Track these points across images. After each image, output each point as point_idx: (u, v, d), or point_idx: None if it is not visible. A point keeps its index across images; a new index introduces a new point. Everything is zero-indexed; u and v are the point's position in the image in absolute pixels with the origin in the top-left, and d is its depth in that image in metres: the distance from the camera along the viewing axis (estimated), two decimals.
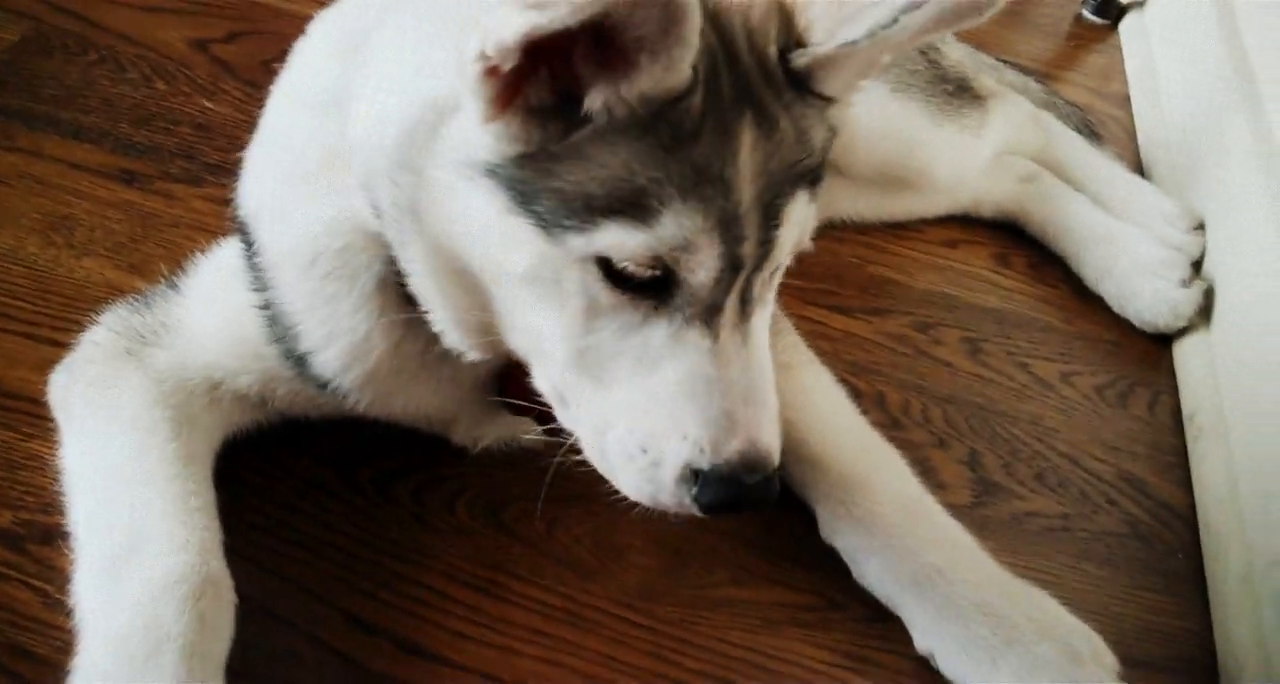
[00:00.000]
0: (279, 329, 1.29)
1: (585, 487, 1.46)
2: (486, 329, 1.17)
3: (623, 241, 1.01)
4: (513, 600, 1.38)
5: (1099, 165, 2.15)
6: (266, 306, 1.30)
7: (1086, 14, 2.78)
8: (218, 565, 1.21)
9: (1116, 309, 1.96)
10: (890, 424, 1.69)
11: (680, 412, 1.08)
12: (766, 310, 1.14)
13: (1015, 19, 2.73)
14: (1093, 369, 1.87)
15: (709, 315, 1.06)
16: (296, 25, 1.30)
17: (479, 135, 1.02)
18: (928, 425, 1.71)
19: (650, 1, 0.89)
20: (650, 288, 1.05)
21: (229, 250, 1.38)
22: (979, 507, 1.62)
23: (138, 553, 1.19)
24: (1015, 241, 2.08)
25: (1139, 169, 2.29)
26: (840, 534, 1.46)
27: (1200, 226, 2.01)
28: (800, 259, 1.86)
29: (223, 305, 1.36)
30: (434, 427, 1.44)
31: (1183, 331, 1.92)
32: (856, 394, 1.67)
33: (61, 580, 1.24)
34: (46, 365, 1.42)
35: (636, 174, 0.99)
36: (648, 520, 1.45)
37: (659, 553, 1.46)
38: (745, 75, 1.04)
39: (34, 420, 1.42)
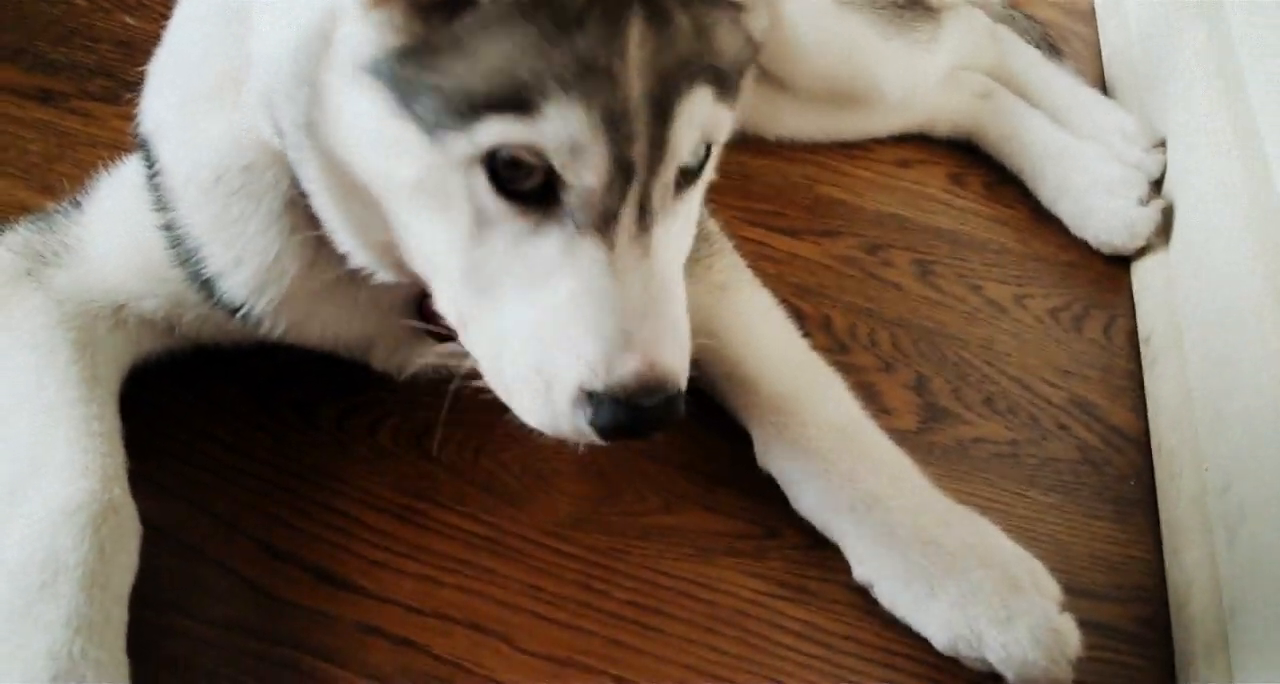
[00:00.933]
0: (183, 252, 1.24)
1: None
2: (388, 248, 1.12)
3: (504, 135, 0.95)
4: (434, 528, 1.33)
5: (1057, 81, 2.10)
6: (170, 228, 1.24)
7: None
8: (120, 493, 1.16)
9: (1073, 229, 1.91)
10: (836, 348, 1.64)
11: (572, 329, 1.02)
12: (673, 223, 1.07)
13: None
14: (1047, 291, 1.82)
15: (603, 224, 1.00)
16: None
17: (363, 28, 0.97)
18: (874, 349, 1.66)
19: None
20: (539, 196, 0.99)
21: (131, 168, 1.32)
22: (925, 432, 1.57)
23: (36, 479, 1.14)
24: (970, 161, 2.03)
25: (1102, 86, 2.24)
26: (775, 459, 1.41)
27: (1161, 145, 1.95)
28: (745, 177, 1.85)
29: (125, 226, 1.30)
30: (353, 353, 1.39)
31: (1141, 252, 1.87)
32: (801, 317, 1.63)
33: None
34: None
35: (517, 65, 0.94)
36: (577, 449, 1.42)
37: (588, 480, 1.41)
38: None
39: None
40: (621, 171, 0.98)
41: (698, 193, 1.13)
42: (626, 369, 1.01)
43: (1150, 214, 1.85)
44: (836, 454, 1.37)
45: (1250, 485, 1.41)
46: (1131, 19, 2.30)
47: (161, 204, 1.24)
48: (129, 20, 1.85)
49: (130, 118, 1.53)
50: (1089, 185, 1.89)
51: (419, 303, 1.26)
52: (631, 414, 1.02)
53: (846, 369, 1.51)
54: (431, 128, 0.97)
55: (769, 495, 1.41)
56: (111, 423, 1.23)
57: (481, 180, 0.98)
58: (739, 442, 1.45)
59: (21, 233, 1.35)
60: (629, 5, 0.96)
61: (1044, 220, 1.94)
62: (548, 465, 1.41)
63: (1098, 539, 1.50)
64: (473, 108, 0.95)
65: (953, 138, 2.05)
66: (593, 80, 0.94)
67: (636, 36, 0.96)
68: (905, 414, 1.58)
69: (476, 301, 1.06)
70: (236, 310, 1.25)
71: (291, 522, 1.30)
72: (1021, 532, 1.38)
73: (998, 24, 2.13)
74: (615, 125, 0.96)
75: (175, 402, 1.38)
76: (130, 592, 1.12)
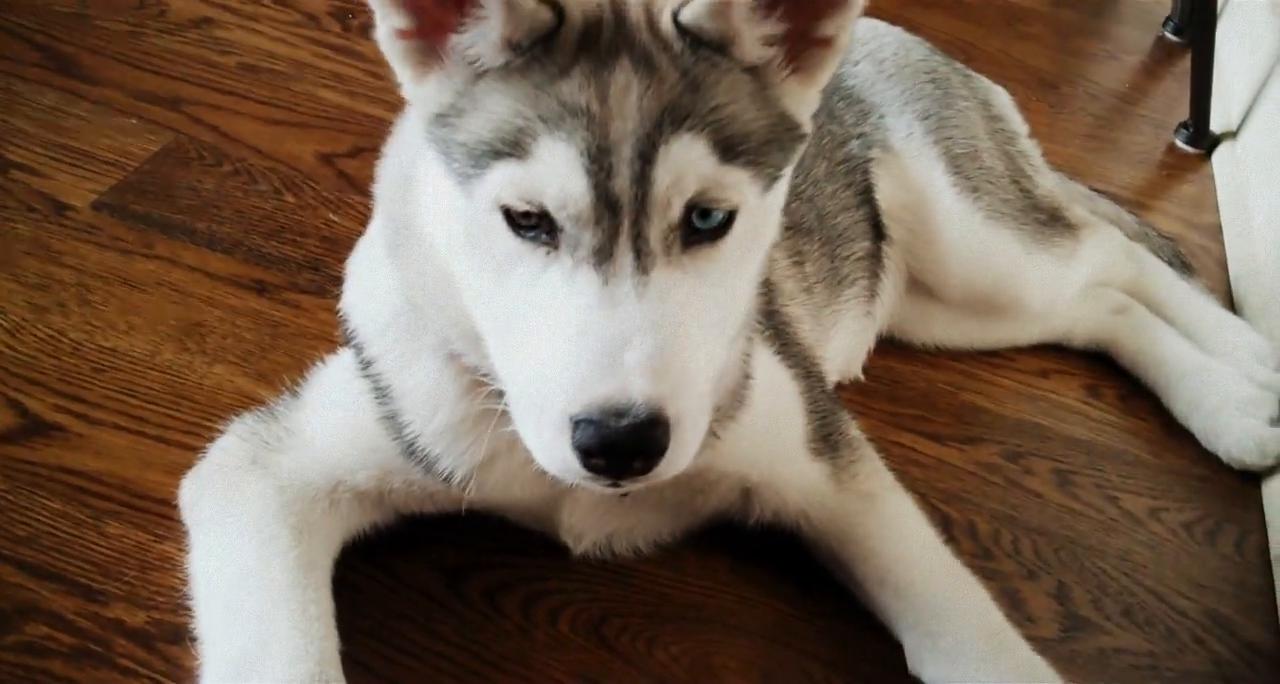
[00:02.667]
0: (383, 405, 1.38)
1: (684, 607, 1.54)
2: (473, 337, 1.23)
3: (507, 178, 1.07)
4: None
5: (1190, 299, 2.19)
6: (372, 388, 1.39)
7: (1180, 143, 2.83)
8: (335, 675, 1.28)
9: (1205, 444, 1.99)
10: (980, 554, 1.73)
11: (561, 357, 1.08)
12: (687, 279, 1.11)
13: (1108, 147, 2.80)
14: (1180, 505, 1.90)
15: (599, 260, 1.07)
16: None
17: (416, 103, 1.17)
18: (1017, 556, 1.74)
19: None
20: (547, 234, 1.09)
21: (342, 357, 1.48)
22: (1067, 641, 1.64)
23: (262, 661, 1.26)
24: (1106, 373, 2.12)
25: (1230, 301, 2.33)
26: (927, 665, 1.48)
27: None
28: (894, 383, 1.96)
29: (339, 405, 1.45)
30: (539, 519, 1.52)
31: (1272, 469, 1.94)
32: (947, 522, 1.73)
33: (190, 680, 1.31)
34: (177, 469, 1.50)
35: (516, 115, 1.07)
36: (743, 643, 1.52)
37: (752, 675, 1.50)
38: (629, 27, 1.10)
39: (166, 522, 1.50)
40: (609, 208, 1.06)
41: (727, 259, 1.14)
42: (597, 392, 1.05)
43: None
44: (986, 663, 1.45)
45: None
46: (1258, 236, 2.40)
47: (363, 366, 1.39)
48: (332, 217, 2.03)
49: (335, 310, 1.70)
50: (1221, 404, 1.98)
51: None
52: (600, 434, 1.05)
53: (991, 575, 1.60)
54: (462, 179, 1.11)
55: None
56: (326, 606, 1.36)
57: (499, 223, 1.10)
58: (892, 644, 1.53)
59: (248, 422, 1.50)
60: (616, 55, 1.08)
61: (1176, 433, 2.02)
62: (715, 659, 1.51)
63: None
64: (485, 155, 1.08)
65: (1089, 349, 2.14)
66: (575, 120, 1.06)
67: (621, 82, 1.07)
68: (1048, 622, 1.66)
69: (506, 347, 1.15)
70: (431, 465, 1.38)
71: None
72: None
73: (1133, 242, 2.24)
74: (597, 160, 1.05)
75: (374, 583, 1.51)
76: None
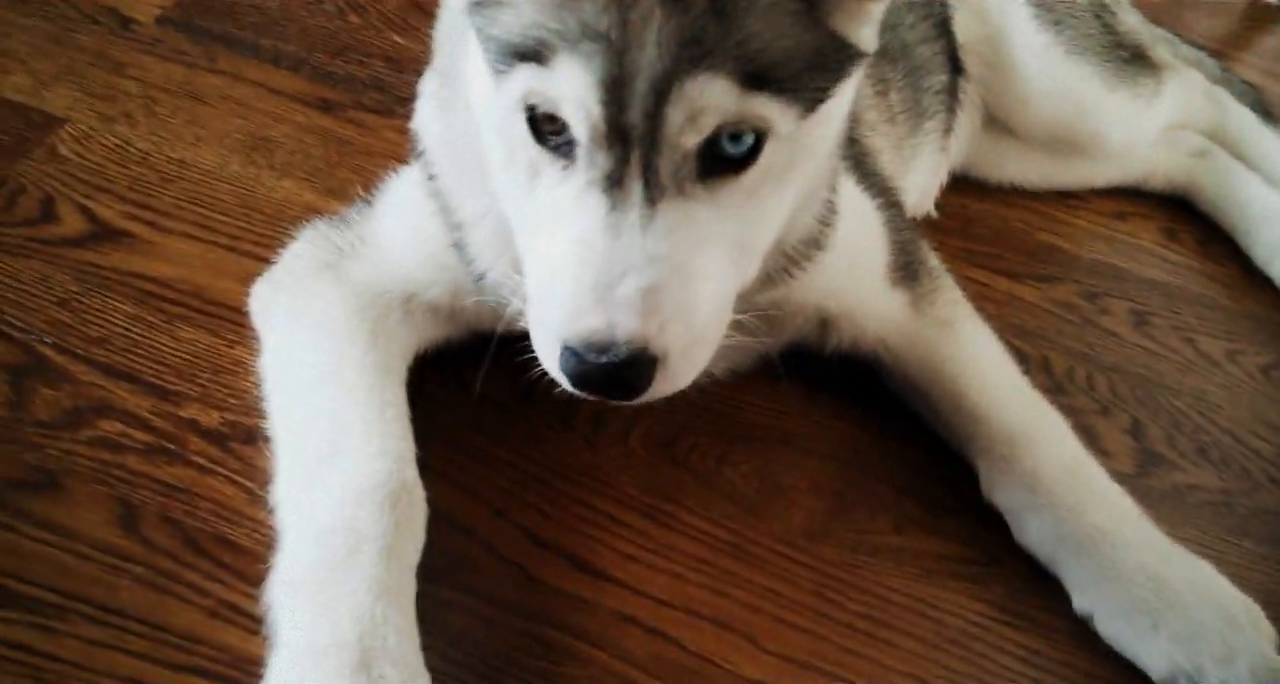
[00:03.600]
0: (451, 228, 1.37)
1: (754, 427, 1.53)
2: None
3: (527, 82, 1.05)
4: (680, 530, 1.43)
5: (1272, 144, 2.14)
6: (441, 210, 1.37)
7: None
8: (411, 474, 1.27)
9: None
10: (1055, 389, 1.71)
11: (562, 276, 1.08)
12: (702, 210, 1.08)
13: None
14: (1258, 349, 1.86)
15: (609, 185, 1.06)
16: None
17: None
18: (1092, 393, 1.72)
19: None
20: (566, 146, 1.07)
21: (411, 172, 1.45)
22: (1141, 476, 1.62)
23: (337, 458, 1.26)
24: (1184, 217, 2.08)
25: None
26: (1001, 490, 1.47)
27: None
28: (967, 220, 1.92)
29: (411, 220, 1.43)
30: None
31: None
32: (1022, 358, 1.70)
33: (263, 479, 1.31)
34: (248, 278, 1.49)
35: (537, 25, 1.04)
36: (813, 464, 1.51)
37: (823, 495, 1.50)
38: None
39: (237, 328, 1.49)
40: (620, 137, 1.04)
41: (753, 188, 1.11)
42: (582, 324, 1.06)
43: None
44: (1063, 489, 1.43)
45: None
46: None
47: (432, 189, 1.38)
48: (397, 39, 1.99)
49: (401, 131, 1.68)
50: None
51: None
52: (581, 370, 1.07)
53: (1065, 410, 1.57)
54: (494, 73, 1.09)
55: (991, 524, 1.48)
56: (401, 409, 1.35)
57: (522, 125, 1.08)
58: (963, 470, 1.52)
59: (321, 229, 1.48)
60: None
61: (1255, 278, 1.98)
62: (785, 478, 1.50)
63: None
64: (512, 54, 1.06)
65: (1167, 193, 2.10)
66: (592, 44, 1.01)
67: (643, 10, 1.01)
68: (1122, 458, 1.64)
69: (528, 245, 1.15)
70: (500, 299, 1.34)
71: (552, 513, 1.41)
72: (1234, 579, 1.42)
73: (1215, 86, 2.17)
74: (611, 91, 1.02)
75: (448, 393, 1.50)
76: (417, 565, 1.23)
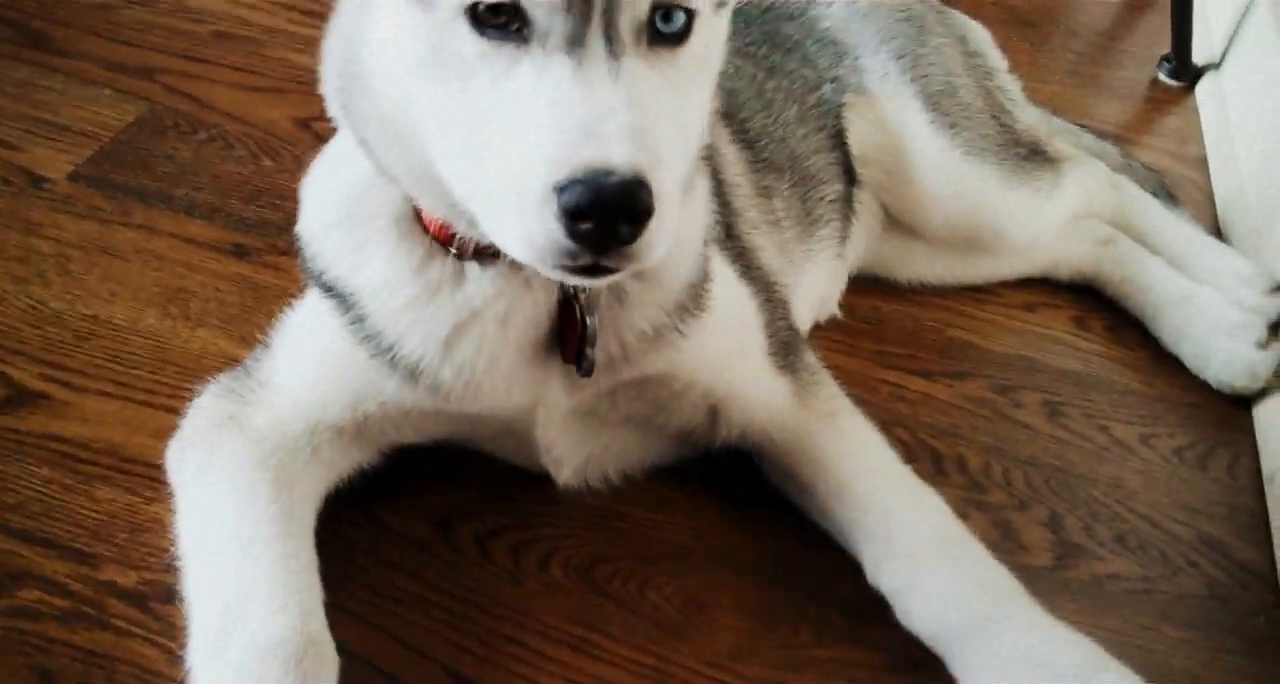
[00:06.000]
0: (344, 312, 1.39)
1: (673, 548, 1.55)
2: (437, 180, 1.22)
3: None
4: (607, 659, 1.43)
5: (1175, 227, 2.19)
6: (333, 302, 1.40)
7: (1162, 77, 2.82)
8: (318, 626, 1.28)
9: (1194, 371, 1.99)
10: (971, 487, 1.73)
11: (539, 135, 1.07)
12: (653, 78, 1.13)
13: (1091, 82, 2.79)
14: (1172, 431, 1.89)
15: (571, 47, 1.09)
16: None
17: None
18: (1009, 488, 1.75)
19: None
20: (516, 31, 1.10)
21: (305, 298, 1.49)
22: (1060, 568, 1.64)
23: (242, 616, 1.26)
24: (1093, 304, 2.12)
25: (1216, 231, 2.32)
26: (885, 575, 1.48)
27: (1277, 288, 2.03)
28: (880, 322, 1.96)
29: (304, 337, 1.47)
30: (518, 443, 1.52)
31: (1262, 393, 1.94)
32: (937, 457, 1.74)
33: (183, 638, 1.30)
34: (165, 432, 1.50)
35: None
36: (734, 581, 1.52)
37: (746, 612, 1.51)
38: None
39: (155, 485, 1.50)
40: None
41: (687, 66, 1.17)
42: (581, 155, 1.05)
43: (1269, 357, 1.93)
44: (944, 571, 1.44)
45: None
46: (1243, 166, 2.39)
47: (320, 284, 1.41)
48: None
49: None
50: (1209, 330, 1.97)
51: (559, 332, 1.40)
52: (593, 192, 1.04)
53: (982, 507, 1.61)
54: None
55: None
56: (307, 558, 1.36)
57: (464, 27, 1.10)
58: None
59: (223, 381, 1.51)
60: None
61: (1166, 361, 2.02)
62: (707, 598, 1.51)
63: (1230, 673, 1.55)
64: None
65: (1076, 282, 2.14)
66: None
67: None
68: (1040, 551, 1.66)
69: (471, 155, 1.14)
70: (396, 357, 1.37)
71: (477, 651, 1.41)
72: (1155, 666, 1.46)
73: (1117, 173, 2.23)
74: None
75: (363, 532, 1.52)
76: None
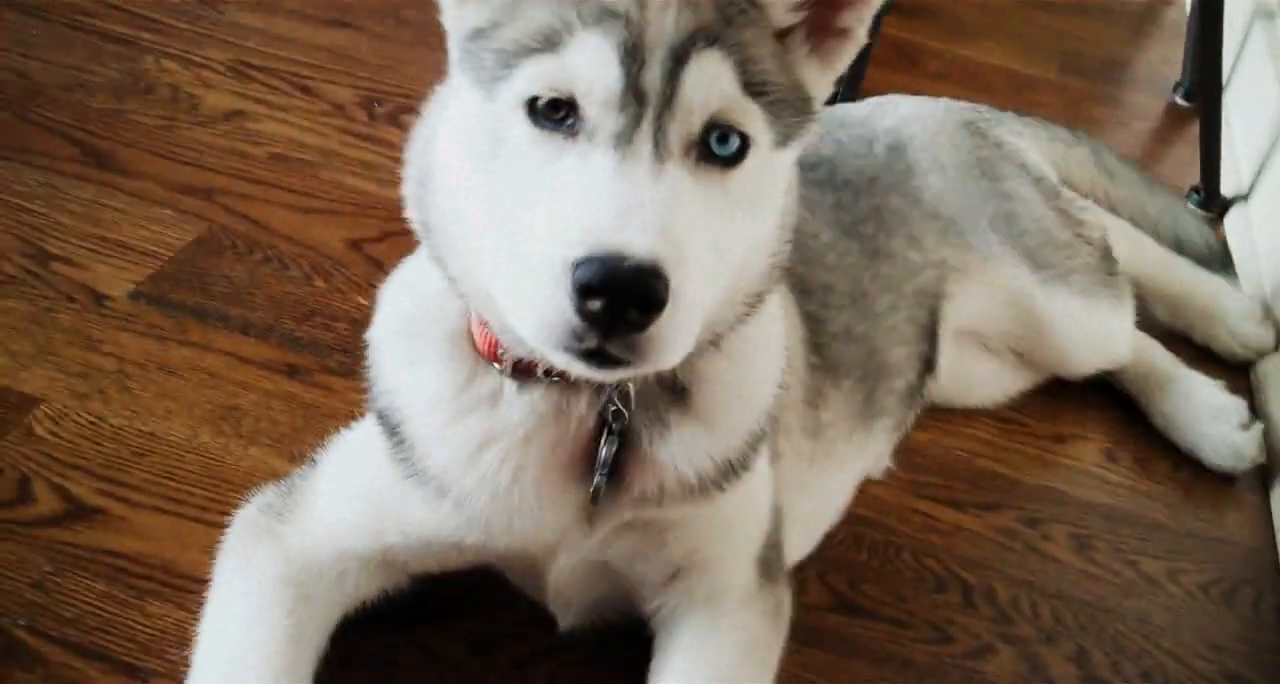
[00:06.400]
0: (392, 434, 1.40)
1: None
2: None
3: (537, 70, 1.12)
4: None
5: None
6: (380, 405, 1.43)
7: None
8: None
9: (1187, 452, 2.15)
10: (1000, 619, 1.76)
11: (570, 214, 1.08)
12: (689, 178, 1.13)
13: None
14: (1198, 566, 1.92)
15: (617, 143, 1.10)
16: None
17: (455, 25, 1.23)
18: (1036, 621, 1.77)
19: None
20: (568, 124, 1.12)
21: (360, 423, 1.53)
22: None
23: None
24: (1123, 436, 2.16)
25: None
26: None
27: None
28: (911, 451, 2.00)
29: (346, 463, 1.51)
30: (531, 577, 1.53)
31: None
32: (967, 588, 1.77)
33: None
34: (215, 548, 1.54)
35: (555, 17, 1.13)
36: None
37: None
38: None
39: (204, 599, 1.53)
40: (635, 99, 1.11)
41: (734, 194, 1.17)
42: (602, 238, 1.05)
43: (1252, 437, 2.12)
44: None
45: None
46: (1272, 299, 2.44)
47: (375, 391, 1.44)
48: (361, 300, 2.09)
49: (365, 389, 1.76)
50: (1195, 415, 2.16)
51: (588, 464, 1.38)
52: (605, 271, 1.03)
53: (1010, 640, 1.64)
54: (490, 83, 1.15)
55: None
56: (303, 675, 1.40)
57: (521, 117, 1.13)
58: None
59: (267, 494, 1.56)
60: None
61: (1194, 495, 2.06)
62: None
63: None
64: (517, 54, 1.14)
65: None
66: (613, 20, 1.12)
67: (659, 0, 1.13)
68: None
69: (506, 233, 1.15)
70: (424, 471, 1.38)
71: None
72: None
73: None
74: (631, 54, 1.11)
75: (404, 655, 1.56)
76: None
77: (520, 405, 1.35)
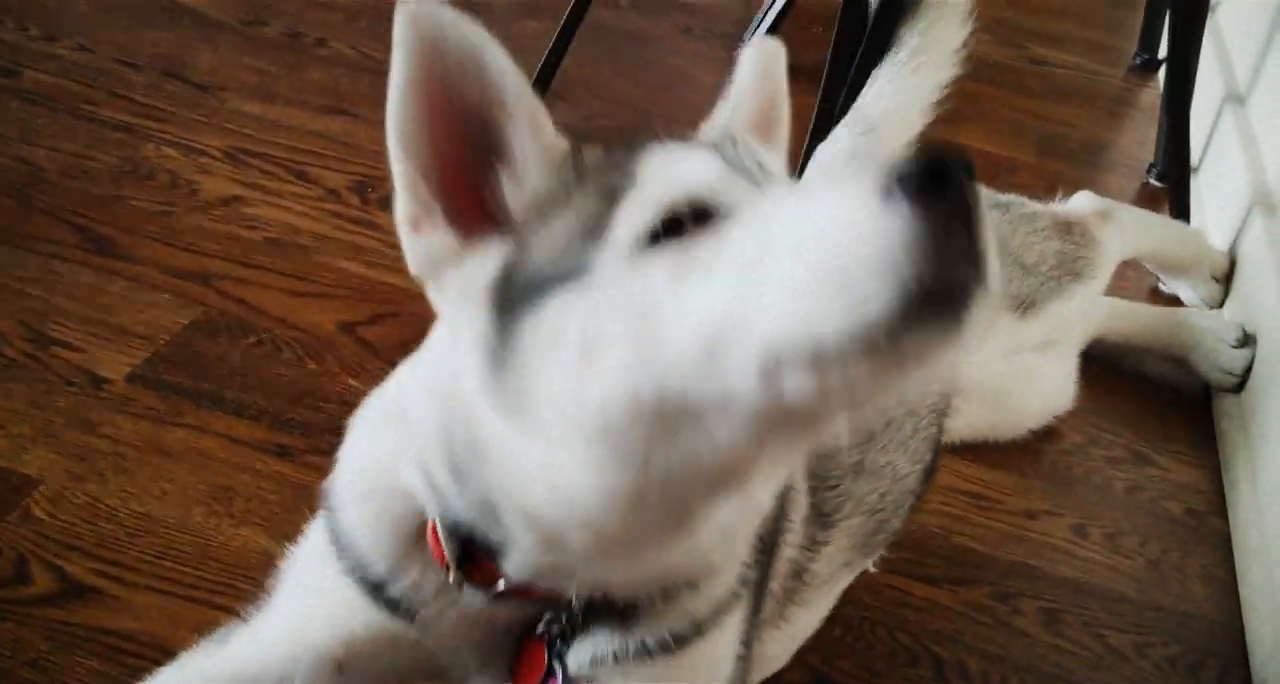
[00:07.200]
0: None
1: None
2: None
3: (634, 207, 0.99)
4: None
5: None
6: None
7: (1163, 287, 2.93)
8: None
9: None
10: None
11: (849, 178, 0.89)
12: None
13: None
14: (1165, 640, 1.97)
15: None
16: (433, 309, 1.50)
17: (468, 284, 1.09)
18: None
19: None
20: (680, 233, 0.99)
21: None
22: None
23: None
24: (1092, 510, 2.21)
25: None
26: None
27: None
28: None
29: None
30: None
31: (1254, 608, 2.03)
32: (939, 663, 1.82)
33: None
34: (205, 627, 1.56)
35: (603, 187, 1.03)
36: None
37: None
38: None
39: None
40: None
41: None
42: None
43: (1244, 355, 2.45)
44: None
45: None
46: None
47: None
48: (353, 382, 2.15)
49: None
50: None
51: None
52: (935, 158, 0.84)
53: None
54: (580, 268, 0.99)
55: None
56: None
57: (641, 262, 0.97)
58: None
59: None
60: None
61: (1160, 570, 2.11)
62: None
63: None
64: (600, 214, 1.01)
65: None
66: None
67: None
68: None
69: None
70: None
71: None
72: None
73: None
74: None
75: None
76: None
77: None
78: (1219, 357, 2.49)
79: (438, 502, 1.19)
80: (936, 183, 0.83)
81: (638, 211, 0.98)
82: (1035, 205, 2.32)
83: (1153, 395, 2.54)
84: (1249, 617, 2.02)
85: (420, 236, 1.09)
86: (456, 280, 1.10)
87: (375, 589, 1.31)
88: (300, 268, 2.44)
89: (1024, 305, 2.13)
